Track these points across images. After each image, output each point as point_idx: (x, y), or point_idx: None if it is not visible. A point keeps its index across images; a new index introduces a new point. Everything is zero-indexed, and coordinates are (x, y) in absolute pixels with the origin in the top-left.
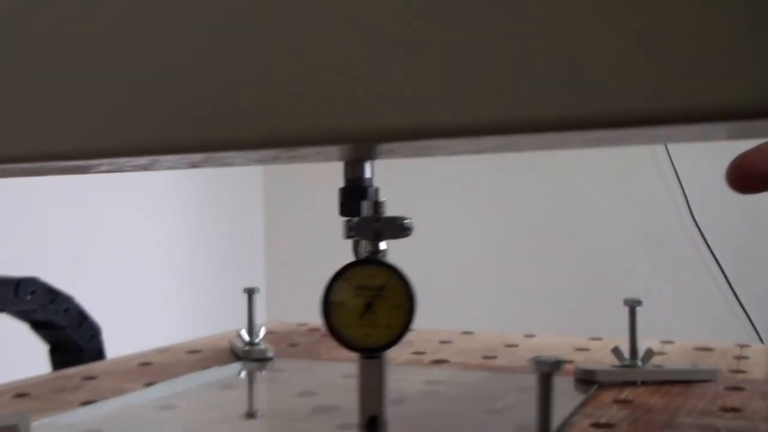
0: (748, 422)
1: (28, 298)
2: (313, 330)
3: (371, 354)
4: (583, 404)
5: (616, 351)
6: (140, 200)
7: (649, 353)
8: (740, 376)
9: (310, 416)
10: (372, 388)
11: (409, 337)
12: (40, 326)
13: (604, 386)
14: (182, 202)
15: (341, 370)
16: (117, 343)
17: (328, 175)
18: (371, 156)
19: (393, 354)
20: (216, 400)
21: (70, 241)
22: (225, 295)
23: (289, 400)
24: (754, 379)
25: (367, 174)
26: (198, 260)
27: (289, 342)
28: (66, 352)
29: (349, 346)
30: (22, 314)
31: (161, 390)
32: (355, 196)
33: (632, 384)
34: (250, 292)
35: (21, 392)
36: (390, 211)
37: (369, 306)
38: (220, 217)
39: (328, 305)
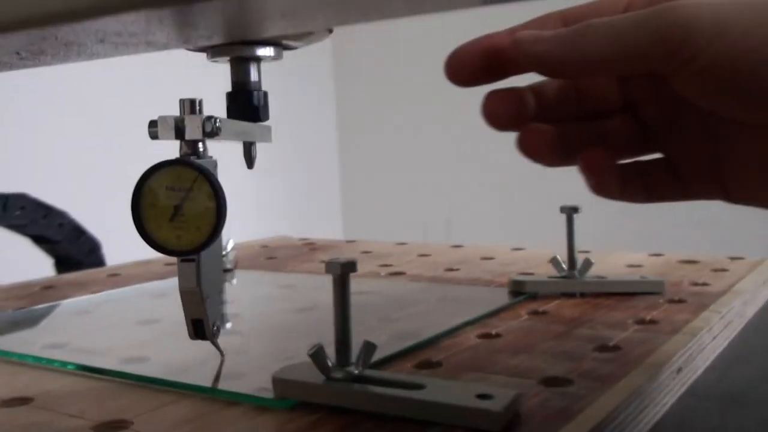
0: (645, 335)
1: (17, 213)
2: (310, 244)
3: (185, 257)
4: (490, 315)
5: (554, 261)
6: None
7: (587, 264)
8: (695, 288)
9: None
10: (192, 291)
11: (387, 249)
12: (38, 240)
13: (537, 298)
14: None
15: (283, 281)
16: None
17: (401, 90)
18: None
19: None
20: (141, 306)
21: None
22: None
23: None
24: (708, 292)
25: (254, 77)
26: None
27: (270, 256)
28: (68, 265)
29: (162, 249)
30: (16, 228)
31: (101, 297)
32: (240, 99)
33: (572, 296)
34: None
35: None
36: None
37: (178, 208)
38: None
39: (138, 207)
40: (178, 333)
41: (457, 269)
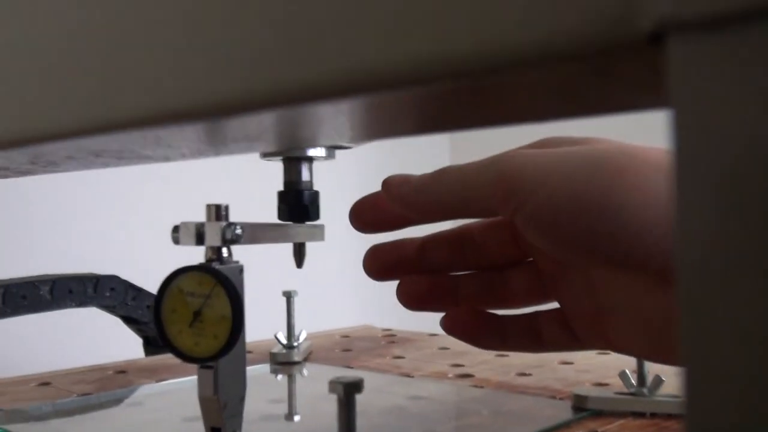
0: None
1: (107, 294)
2: (389, 336)
3: (202, 364)
4: None
5: (623, 375)
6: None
7: (657, 381)
8: None
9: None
10: (210, 399)
11: (466, 347)
12: (127, 321)
13: (602, 415)
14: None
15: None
16: None
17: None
18: None
19: (427, 364)
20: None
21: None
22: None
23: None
24: None
25: (305, 177)
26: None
27: (346, 347)
28: (156, 345)
29: (180, 355)
30: (107, 309)
31: (161, 386)
32: (289, 199)
33: (641, 415)
34: (288, 296)
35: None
36: None
37: (197, 314)
38: None
39: (160, 311)
40: None
41: (530, 374)
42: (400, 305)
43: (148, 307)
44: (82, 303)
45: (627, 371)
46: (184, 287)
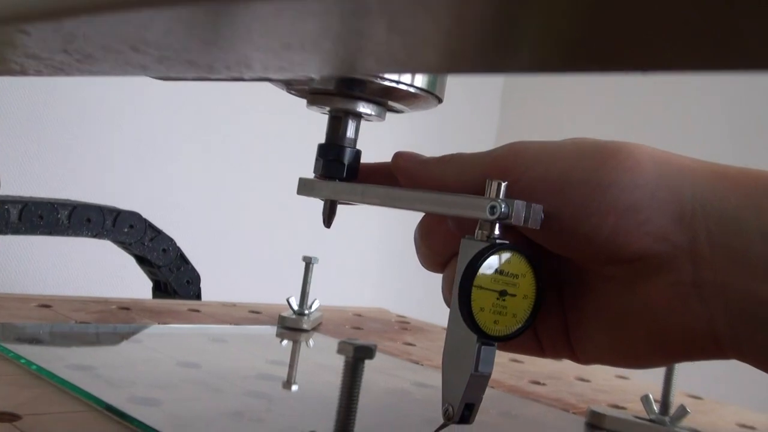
0: None
1: (126, 230)
2: (404, 323)
3: (491, 341)
4: None
5: (645, 399)
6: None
7: (682, 411)
8: None
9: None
10: (483, 377)
11: None
12: (141, 261)
13: None
14: None
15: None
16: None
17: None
18: None
19: (438, 355)
20: (193, 346)
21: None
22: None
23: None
24: None
25: (350, 133)
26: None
27: (356, 325)
28: (165, 292)
29: (478, 330)
30: (122, 245)
31: (161, 329)
32: (332, 154)
33: None
34: (308, 262)
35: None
36: None
37: (503, 293)
38: None
39: (469, 287)
40: (207, 382)
41: (544, 384)
42: (419, 297)
43: (164, 250)
44: (97, 234)
45: (650, 396)
46: (494, 265)
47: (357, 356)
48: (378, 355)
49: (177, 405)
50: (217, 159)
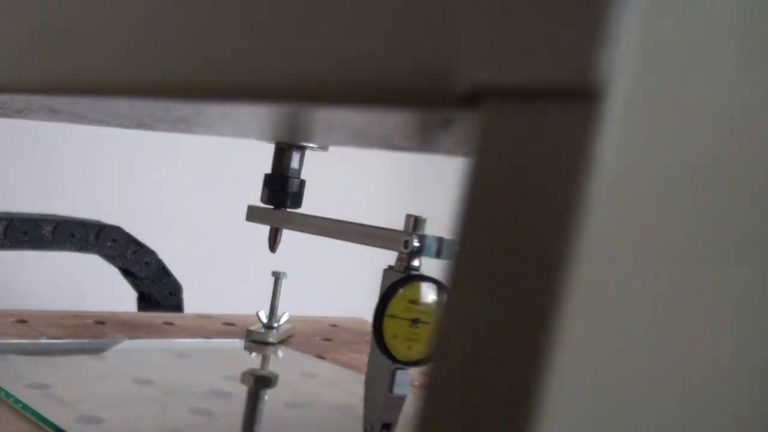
0: None
1: (108, 244)
2: None
3: (404, 366)
4: None
5: None
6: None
7: None
8: None
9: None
10: (401, 398)
11: None
12: (125, 273)
13: None
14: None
15: (305, 367)
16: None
17: None
18: None
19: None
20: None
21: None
22: None
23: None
24: None
25: (294, 164)
26: None
27: (327, 337)
28: (149, 302)
29: (391, 357)
30: (107, 258)
31: (129, 344)
32: (277, 184)
33: None
34: (277, 277)
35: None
36: None
37: (415, 321)
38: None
39: (382, 316)
40: (156, 399)
41: None
42: None
43: (146, 263)
44: (82, 248)
45: None
46: (408, 295)
47: (258, 387)
48: (334, 369)
49: (118, 424)
50: (197, 170)
